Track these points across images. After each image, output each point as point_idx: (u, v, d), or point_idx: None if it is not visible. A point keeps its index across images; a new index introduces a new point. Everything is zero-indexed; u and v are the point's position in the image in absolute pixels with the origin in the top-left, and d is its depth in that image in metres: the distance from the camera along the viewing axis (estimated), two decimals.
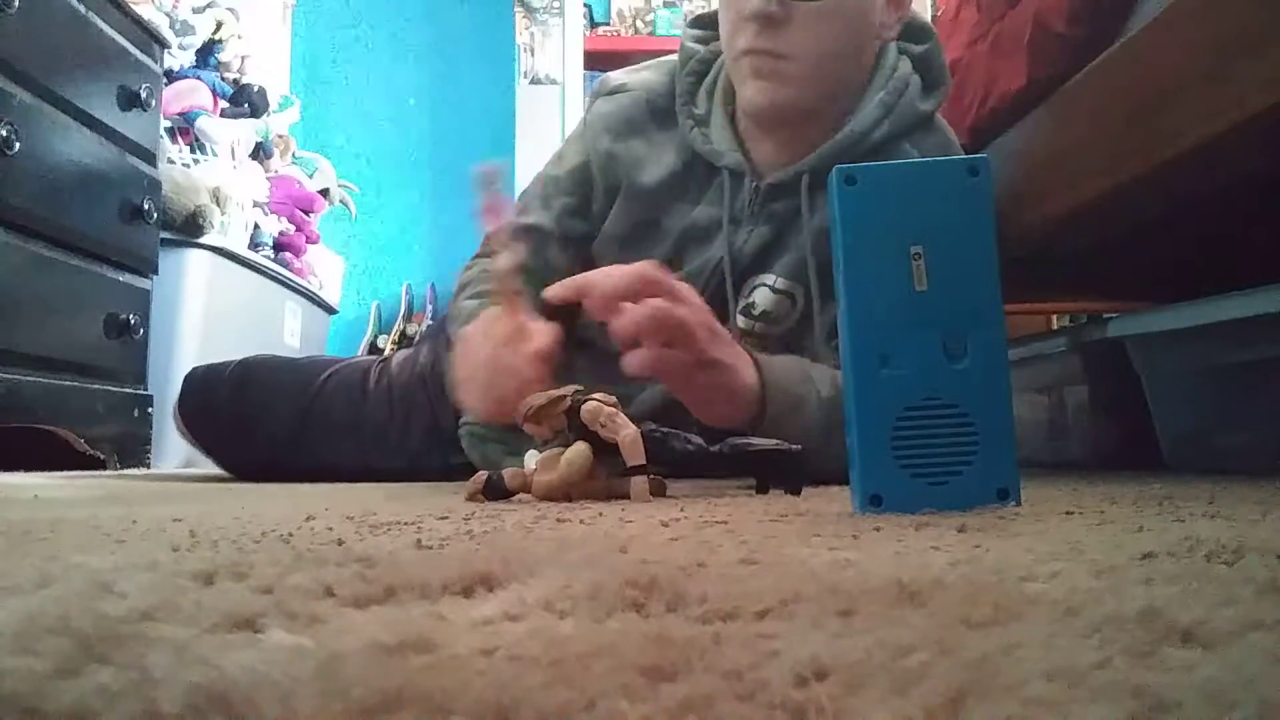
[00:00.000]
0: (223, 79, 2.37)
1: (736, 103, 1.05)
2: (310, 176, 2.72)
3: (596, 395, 0.68)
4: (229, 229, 2.16)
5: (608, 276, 0.73)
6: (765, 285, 1.06)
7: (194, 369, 1.31)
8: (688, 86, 1.07)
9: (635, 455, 0.66)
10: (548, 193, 1.14)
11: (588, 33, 3.29)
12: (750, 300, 1.06)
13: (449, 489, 0.93)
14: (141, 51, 1.64)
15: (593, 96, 1.14)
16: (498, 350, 0.82)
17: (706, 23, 1.13)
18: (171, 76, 2.23)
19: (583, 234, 1.14)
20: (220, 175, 2.20)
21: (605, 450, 0.67)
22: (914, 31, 1.08)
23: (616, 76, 1.13)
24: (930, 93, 1.06)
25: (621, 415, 0.67)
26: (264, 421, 1.21)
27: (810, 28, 0.94)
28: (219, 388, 1.25)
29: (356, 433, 1.19)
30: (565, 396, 0.68)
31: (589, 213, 1.13)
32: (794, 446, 0.74)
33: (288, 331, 2.53)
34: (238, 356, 1.29)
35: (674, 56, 1.11)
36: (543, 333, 0.82)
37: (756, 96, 0.98)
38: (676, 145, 1.07)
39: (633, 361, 0.70)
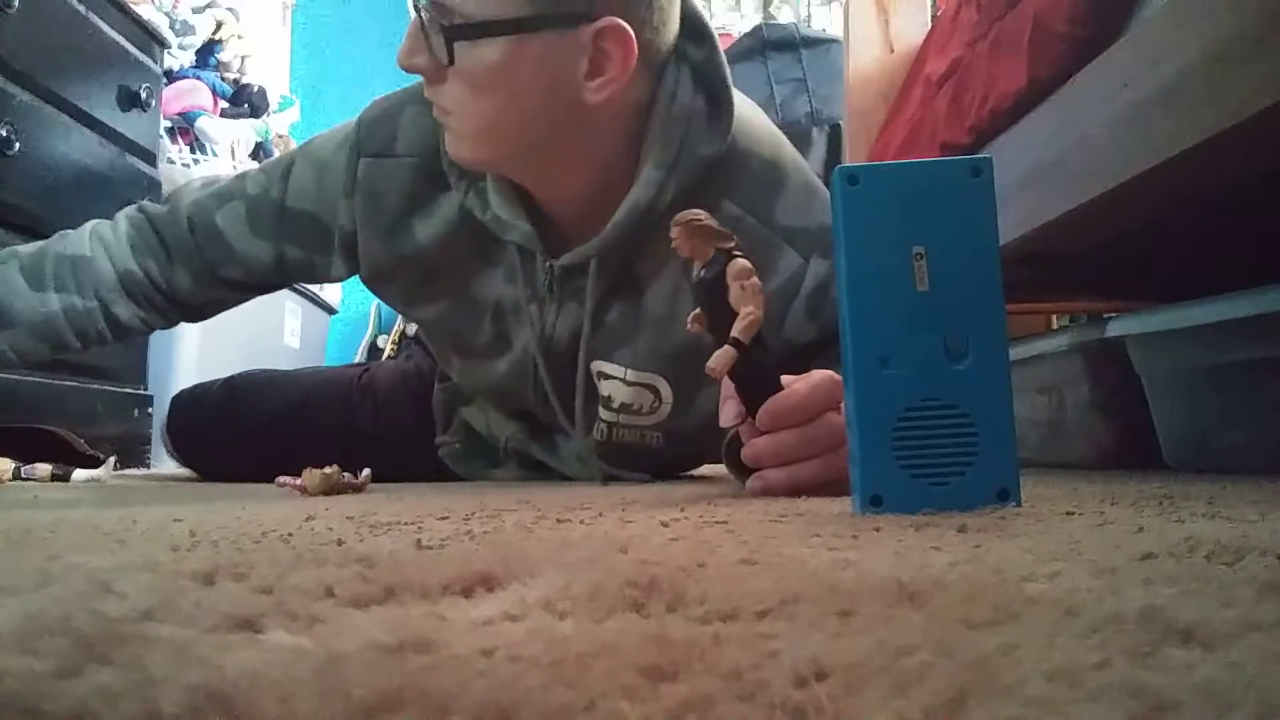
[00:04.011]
0: (223, 79, 2.37)
1: None
2: None
3: (748, 261, 0.63)
4: None
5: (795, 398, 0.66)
6: (615, 378, 0.95)
7: (180, 391, 1.32)
8: None
9: (744, 333, 0.61)
10: (277, 224, 1.01)
11: None
12: (606, 394, 0.96)
13: (448, 489, 0.93)
14: (141, 51, 1.64)
15: (356, 148, 0.98)
16: None
17: None
18: (171, 76, 2.23)
19: (291, 282, 1.07)
20: (220, 175, 2.20)
21: (713, 308, 0.63)
22: (690, 28, 0.90)
23: (382, 125, 0.97)
24: (717, 118, 0.89)
25: (761, 297, 0.62)
26: (250, 440, 1.21)
27: (458, 90, 0.83)
28: (205, 408, 1.25)
29: (344, 443, 1.18)
30: (731, 239, 0.63)
31: (325, 275, 1.03)
32: None
33: (288, 332, 2.53)
34: (238, 357, 1.29)
35: None
36: None
37: (448, 148, 0.89)
38: (457, 205, 0.95)
39: (764, 481, 0.66)
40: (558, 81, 0.83)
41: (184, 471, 1.36)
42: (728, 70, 0.90)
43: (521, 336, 0.98)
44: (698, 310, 0.66)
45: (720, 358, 0.61)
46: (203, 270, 1.04)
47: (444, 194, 0.96)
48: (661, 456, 1.01)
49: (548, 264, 0.93)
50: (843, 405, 0.65)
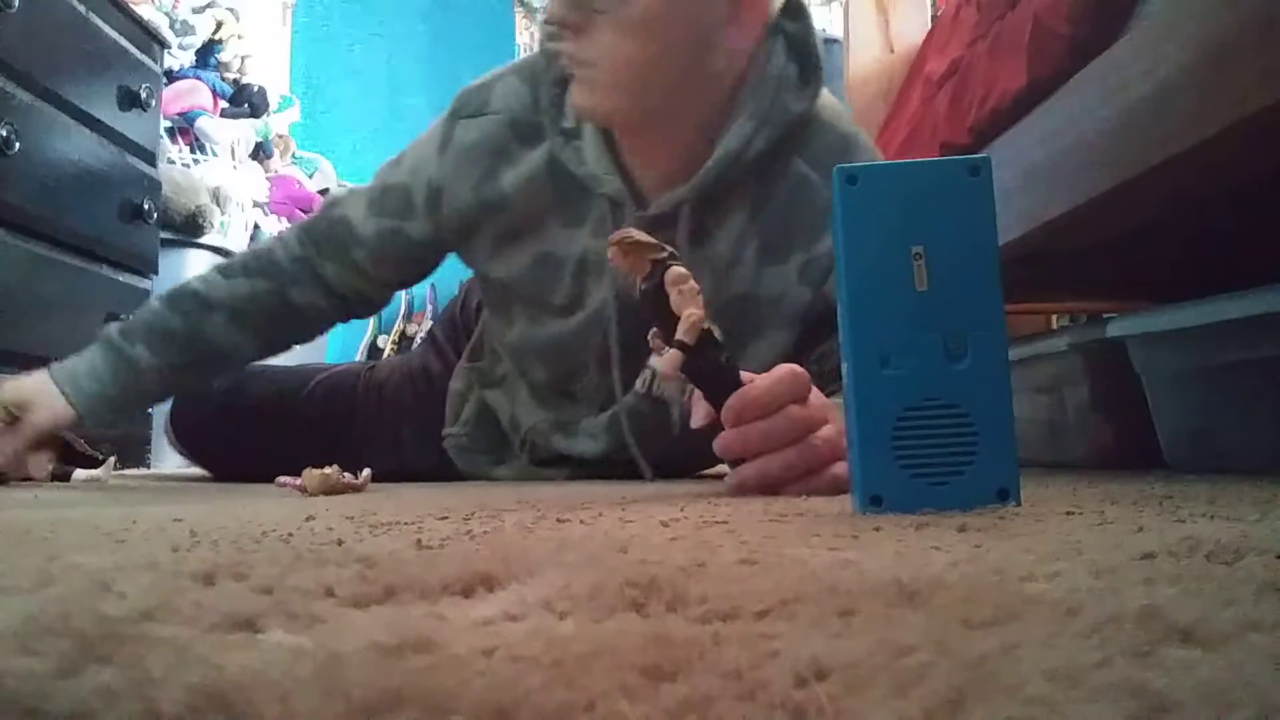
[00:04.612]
0: (223, 79, 2.37)
1: None
2: (310, 176, 2.73)
3: (682, 267, 0.65)
4: (229, 229, 2.17)
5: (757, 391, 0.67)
6: None
7: None
8: (553, 98, 0.98)
9: (687, 334, 0.64)
10: (382, 200, 1.08)
11: None
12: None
13: (448, 489, 0.93)
14: (141, 51, 1.64)
15: (453, 115, 1.05)
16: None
17: None
18: (171, 76, 2.23)
19: (400, 261, 1.10)
20: (220, 175, 2.20)
21: (659, 316, 0.65)
22: (790, 2, 0.98)
23: (478, 93, 1.04)
24: (805, 84, 0.97)
25: (701, 299, 0.65)
26: (254, 432, 1.21)
27: (608, 37, 0.87)
28: (209, 399, 1.25)
29: (347, 437, 1.19)
30: (664, 250, 0.66)
31: (415, 242, 1.07)
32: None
33: None
34: None
35: (543, 49, 1.02)
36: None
37: (576, 100, 0.92)
38: (544, 160, 0.99)
39: (738, 477, 0.68)
40: (704, 26, 0.89)
41: (184, 471, 1.36)
42: (820, 43, 0.98)
43: (598, 294, 1.01)
44: (655, 328, 0.68)
45: (668, 362, 0.64)
46: (343, 258, 1.10)
47: (532, 149, 1.00)
48: (684, 425, 1.02)
49: (637, 215, 0.97)
50: (810, 398, 0.68)
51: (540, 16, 3.24)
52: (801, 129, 0.97)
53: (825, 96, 1.00)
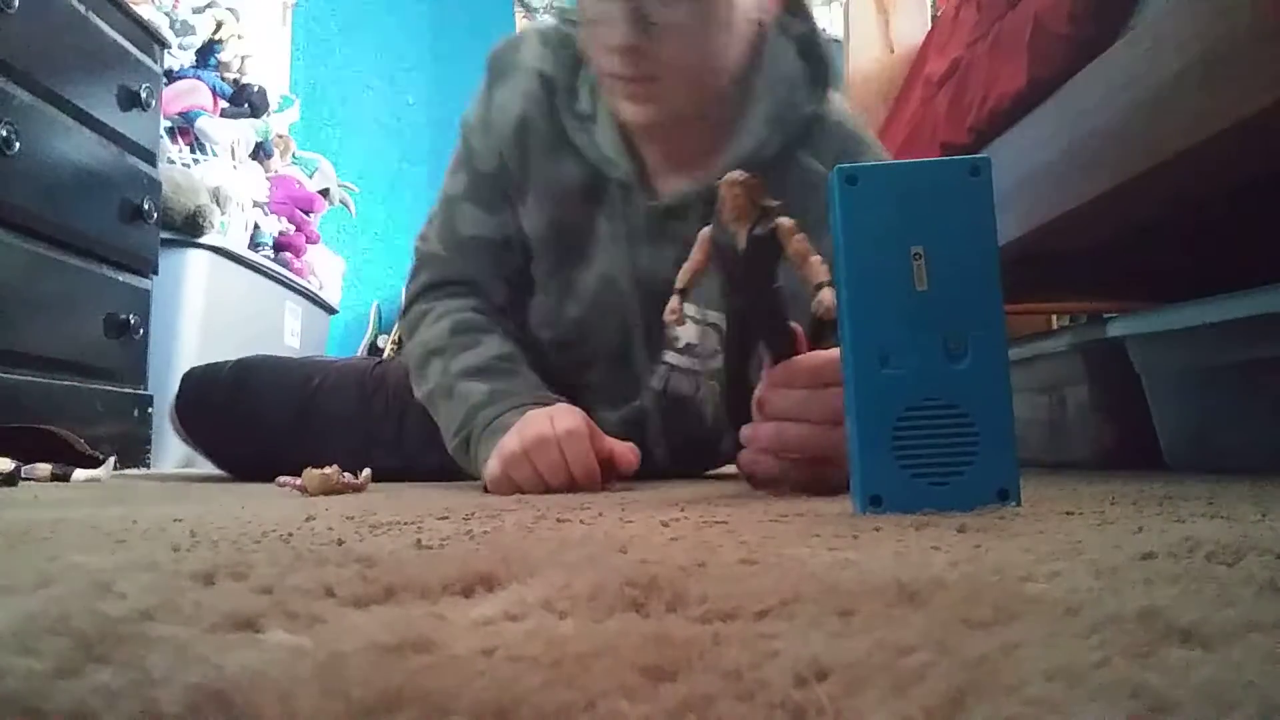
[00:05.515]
0: (223, 79, 2.37)
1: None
2: (310, 176, 2.73)
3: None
4: (229, 229, 2.17)
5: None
6: (687, 316, 0.97)
7: (191, 369, 1.31)
8: (568, 81, 0.98)
9: (821, 273, 0.65)
10: (485, 196, 1.05)
11: None
12: (674, 335, 1.00)
13: (448, 489, 0.93)
14: (141, 51, 1.64)
15: (486, 86, 1.04)
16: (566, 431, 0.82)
17: None
18: (171, 76, 2.23)
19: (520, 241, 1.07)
20: (220, 175, 2.20)
21: (762, 266, 0.67)
22: (792, 3, 0.98)
23: (505, 56, 1.02)
24: (816, 84, 0.98)
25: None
26: (261, 421, 1.21)
27: (675, 44, 0.87)
28: (216, 387, 1.25)
29: (353, 431, 1.19)
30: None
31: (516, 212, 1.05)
32: None
33: (288, 331, 2.53)
34: (237, 356, 1.29)
35: (558, 26, 1.01)
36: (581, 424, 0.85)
37: (633, 117, 0.92)
38: (577, 145, 0.99)
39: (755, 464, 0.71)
40: (739, 13, 0.90)
41: (185, 470, 1.36)
42: (826, 41, 0.99)
43: (611, 260, 1.00)
44: (681, 291, 0.70)
45: (831, 295, 0.64)
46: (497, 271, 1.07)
47: (558, 116, 1.00)
48: (701, 421, 1.03)
49: (649, 204, 0.97)
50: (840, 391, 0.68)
51: (541, 17, 3.24)
52: (812, 127, 0.98)
53: (837, 98, 1.01)
